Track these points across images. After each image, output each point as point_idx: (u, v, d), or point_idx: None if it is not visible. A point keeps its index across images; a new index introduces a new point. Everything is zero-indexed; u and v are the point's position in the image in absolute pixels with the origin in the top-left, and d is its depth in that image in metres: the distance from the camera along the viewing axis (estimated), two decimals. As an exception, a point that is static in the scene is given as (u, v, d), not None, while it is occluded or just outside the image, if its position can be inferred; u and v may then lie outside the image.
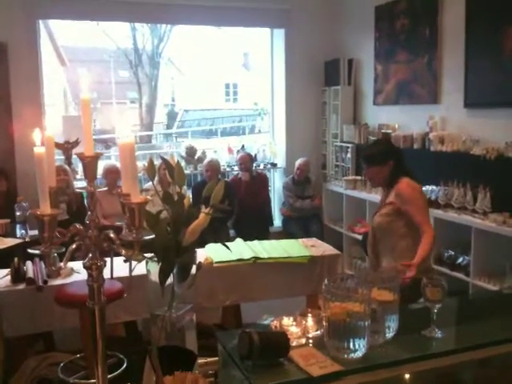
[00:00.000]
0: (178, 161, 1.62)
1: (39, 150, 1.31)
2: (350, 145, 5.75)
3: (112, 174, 5.07)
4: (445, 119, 4.65)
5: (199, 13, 5.75)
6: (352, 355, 1.52)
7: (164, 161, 1.60)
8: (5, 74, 5.10)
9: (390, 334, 1.63)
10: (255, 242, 3.99)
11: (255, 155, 6.22)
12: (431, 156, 4.54)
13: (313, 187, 5.93)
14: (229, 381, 1.64)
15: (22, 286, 3.33)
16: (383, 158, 2.96)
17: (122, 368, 2.94)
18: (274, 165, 6.34)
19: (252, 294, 3.68)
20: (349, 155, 5.74)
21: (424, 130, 4.74)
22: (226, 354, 1.59)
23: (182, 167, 1.65)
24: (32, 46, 5.25)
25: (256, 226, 5.32)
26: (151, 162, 1.60)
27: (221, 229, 5.14)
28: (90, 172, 1.41)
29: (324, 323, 1.56)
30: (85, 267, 1.43)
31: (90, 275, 1.43)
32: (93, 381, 2.96)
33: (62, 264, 1.38)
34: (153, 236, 1.35)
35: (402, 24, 5.12)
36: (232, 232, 5.50)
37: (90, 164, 1.39)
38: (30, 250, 1.33)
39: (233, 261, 3.53)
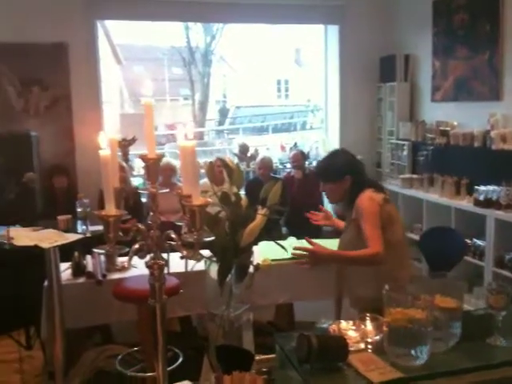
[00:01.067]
0: (237, 163, 1.63)
1: (104, 152, 1.34)
2: (406, 142, 5.63)
3: (167, 171, 5.15)
4: (507, 117, 4.47)
5: (253, 11, 5.76)
6: (413, 362, 1.49)
7: (222, 162, 1.61)
8: (66, 74, 5.28)
9: (452, 342, 1.58)
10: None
11: (308, 152, 6.18)
12: (492, 155, 4.39)
13: (368, 185, 5.83)
14: (286, 382, 1.64)
15: (82, 280, 3.45)
16: (339, 173, 2.64)
17: (178, 362, 2.99)
18: (326, 162, 6.27)
19: (305, 294, 3.66)
20: (405, 153, 5.62)
21: (484, 128, 4.59)
22: (284, 355, 1.59)
23: (241, 169, 1.66)
24: (91, 46, 5.41)
25: (308, 225, 5.27)
26: (211, 165, 1.61)
27: (273, 226, 5.15)
28: (152, 173, 1.43)
29: (384, 329, 1.54)
30: (147, 266, 1.46)
31: (151, 274, 1.47)
32: (149, 374, 3.04)
33: (125, 263, 1.42)
34: (213, 238, 1.37)
35: (461, 19, 4.97)
36: (284, 229, 5.49)
37: (152, 166, 1.42)
38: (95, 250, 1.37)
39: (286, 259, 3.52)
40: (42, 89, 5.20)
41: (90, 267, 3.51)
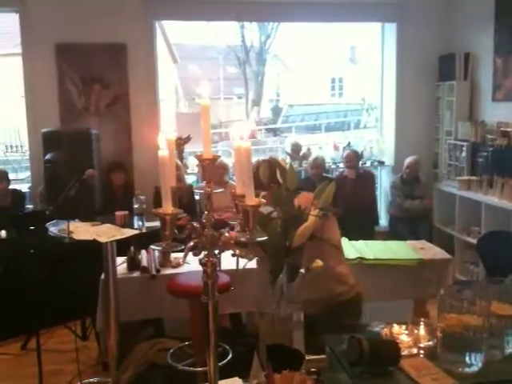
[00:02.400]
0: (290, 164, 1.64)
1: (163, 153, 1.37)
2: (465, 143, 5.47)
3: (219, 169, 5.22)
4: None
5: (309, 9, 5.74)
6: (467, 370, 1.45)
7: (276, 163, 1.62)
8: (124, 73, 5.44)
9: (509, 350, 1.53)
10: (360, 241, 3.93)
11: (362, 152, 6.10)
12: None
13: (422, 187, 5.70)
14: (335, 383, 1.63)
15: (136, 274, 3.55)
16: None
17: (228, 359, 3.03)
18: (381, 162, 6.19)
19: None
20: (463, 154, 5.46)
21: (549, 129, 4.40)
22: (334, 357, 1.59)
23: (295, 170, 1.67)
24: (149, 46, 5.54)
25: (361, 226, 5.22)
26: (263, 165, 1.63)
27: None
28: (208, 174, 1.46)
29: (438, 334, 1.51)
30: (201, 264, 1.49)
31: (205, 272, 1.49)
32: (200, 369, 3.10)
33: (180, 260, 1.45)
34: (265, 238, 1.38)
35: (525, 14, 4.78)
36: (336, 230, 5.44)
37: (208, 166, 1.44)
38: (152, 246, 1.41)
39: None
40: (102, 87, 5.38)
41: (144, 262, 3.61)
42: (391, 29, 6.05)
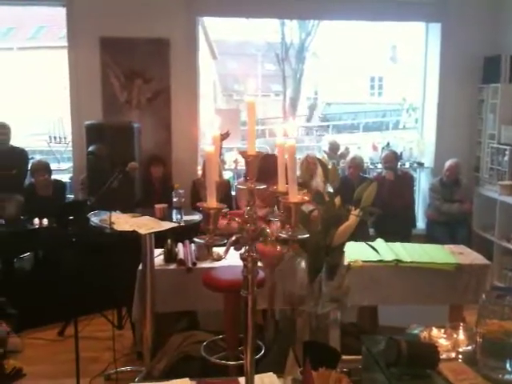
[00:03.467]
0: (334, 163, 1.64)
1: (209, 149, 1.40)
2: (508, 147, 5.34)
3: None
4: None
5: (350, 8, 5.70)
6: (507, 376, 1.43)
7: (319, 161, 1.63)
8: (166, 68, 5.51)
9: (552, 359, 1.50)
10: (397, 243, 3.89)
11: (401, 153, 6.03)
12: None
13: (463, 190, 5.60)
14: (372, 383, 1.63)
15: (173, 266, 3.61)
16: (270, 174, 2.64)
17: (260, 354, 3.05)
18: (420, 164, 6.09)
19: (390, 297, 3.59)
20: (506, 158, 5.32)
21: None
22: (371, 358, 1.59)
23: (338, 169, 1.67)
24: (191, 42, 5.60)
25: (397, 228, 5.16)
26: (307, 162, 1.63)
27: (360, 227, 5.07)
28: (251, 170, 1.47)
29: (478, 339, 1.49)
30: (241, 258, 1.51)
31: (245, 266, 1.51)
32: (232, 363, 3.13)
33: (222, 255, 1.48)
34: (307, 235, 1.39)
35: None
36: (371, 231, 5.40)
37: (252, 162, 1.46)
38: (196, 239, 1.43)
39: (373, 261, 3.48)
40: (144, 82, 5.47)
41: (181, 255, 3.66)
42: (435, 28, 5.94)
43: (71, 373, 3.19)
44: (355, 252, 3.42)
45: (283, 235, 1.36)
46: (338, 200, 1.74)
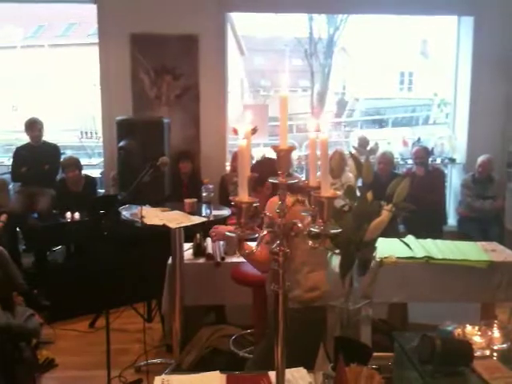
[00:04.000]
0: (367, 158, 1.62)
1: (242, 143, 1.40)
2: (541, 143, 5.21)
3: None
4: None
5: (381, 1, 5.64)
6: (544, 376, 1.40)
7: (352, 156, 1.62)
8: (195, 64, 5.53)
9: None
10: (428, 240, 3.83)
11: (432, 149, 5.94)
12: None
13: (495, 187, 5.49)
14: (404, 381, 1.61)
15: (201, 260, 3.63)
16: (259, 180, 2.57)
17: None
18: (452, 160, 5.99)
19: (421, 295, 3.55)
20: (540, 154, 5.20)
21: None
22: (404, 354, 1.57)
23: (372, 164, 1.65)
24: (220, 38, 5.60)
25: (428, 224, 5.08)
26: (340, 156, 1.62)
27: (389, 223, 5.02)
28: (283, 164, 1.47)
29: (514, 338, 1.46)
30: (272, 253, 1.51)
31: (276, 260, 1.51)
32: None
33: (254, 248, 1.47)
34: (340, 230, 1.38)
35: None
36: (401, 227, 5.34)
37: (283, 157, 1.46)
38: (227, 233, 1.44)
39: (403, 258, 3.44)
40: (173, 78, 5.51)
41: (209, 249, 3.68)
42: (468, 22, 5.83)
43: (102, 364, 3.23)
44: (385, 248, 3.40)
45: (315, 230, 1.36)
46: (369, 195, 1.72)
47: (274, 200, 2.49)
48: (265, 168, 2.77)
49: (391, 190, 1.70)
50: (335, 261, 1.66)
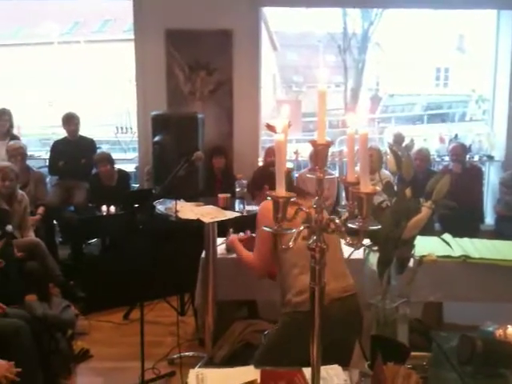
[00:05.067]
0: (408, 153, 1.59)
1: (279, 137, 1.39)
2: None
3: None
4: None
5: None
6: None
7: (393, 152, 1.59)
8: (229, 60, 5.54)
9: None
10: (465, 239, 3.75)
11: (470, 146, 5.81)
12: None
13: (535, 185, 5.34)
14: (441, 381, 1.58)
15: (234, 255, 3.63)
16: (258, 184, 2.83)
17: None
18: (490, 157, 5.85)
19: (457, 294, 3.48)
20: None
21: None
22: (442, 354, 1.54)
23: (412, 160, 1.62)
24: (254, 33, 5.60)
25: (465, 223, 4.97)
26: (379, 153, 1.60)
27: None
28: (320, 159, 1.45)
29: (559, 341, 1.42)
30: (309, 248, 1.49)
31: (312, 257, 1.50)
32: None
33: (290, 243, 1.46)
34: (379, 227, 1.36)
35: None
36: (437, 226, 5.24)
37: (321, 151, 1.44)
38: (265, 228, 1.44)
39: (440, 256, 3.37)
40: (207, 74, 5.53)
41: (242, 244, 3.68)
42: (507, 16, 5.68)
43: (135, 355, 3.28)
44: (422, 246, 3.34)
45: (354, 226, 1.34)
46: (408, 192, 1.69)
47: (266, 205, 2.57)
48: (261, 174, 2.96)
49: (431, 186, 1.66)
50: (372, 258, 1.64)
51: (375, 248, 1.62)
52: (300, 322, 2.23)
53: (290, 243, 1.46)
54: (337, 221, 1.44)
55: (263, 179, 2.82)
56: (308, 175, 1.48)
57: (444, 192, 1.66)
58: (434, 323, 3.66)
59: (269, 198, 2.22)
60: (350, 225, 1.36)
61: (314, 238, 1.47)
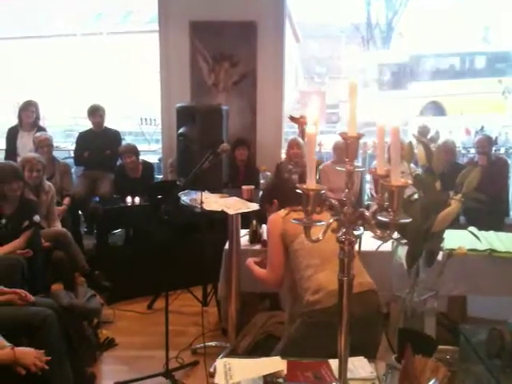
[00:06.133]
0: (438, 145, 1.58)
1: (310, 129, 1.39)
2: None
3: (339, 150, 5.22)
4: None
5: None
6: None
7: (423, 144, 1.58)
8: (253, 51, 5.53)
9: None
10: (491, 232, 3.72)
11: (496, 138, 5.72)
12: None
13: (562, 179, 5.25)
14: (468, 375, 1.58)
15: (257, 247, 3.65)
16: (267, 198, 2.94)
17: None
18: (516, 150, 5.77)
19: (482, 288, 3.44)
20: None
21: None
22: (470, 348, 1.54)
23: (442, 154, 1.61)
24: (278, 24, 5.57)
25: (490, 216, 4.90)
26: (410, 146, 1.59)
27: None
28: (351, 152, 1.46)
29: None
30: (338, 241, 1.50)
31: (341, 249, 1.51)
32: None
33: (320, 236, 1.47)
34: (409, 220, 1.35)
35: None
36: (462, 219, 5.18)
37: (352, 144, 1.44)
38: (292, 221, 1.44)
39: (466, 250, 3.34)
40: (230, 65, 5.53)
41: (264, 236, 3.70)
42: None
43: (159, 344, 3.32)
44: (447, 239, 3.32)
45: (385, 219, 1.34)
46: (438, 185, 1.68)
47: (274, 218, 2.73)
48: (271, 189, 3.11)
49: (461, 179, 1.65)
50: (401, 251, 1.63)
51: (404, 241, 1.62)
52: (318, 319, 2.28)
53: (320, 235, 1.47)
54: (367, 214, 1.44)
55: (273, 194, 2.95)
56: (338, 168, 1.48)
57: (474, 185, 1.65)
58: (458, 317, 3.64)
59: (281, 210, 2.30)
60: (380, 218, 1.36)
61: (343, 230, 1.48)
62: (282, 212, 2.69)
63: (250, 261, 3.00)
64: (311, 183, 1.40)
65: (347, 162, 1.46)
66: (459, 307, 3.77)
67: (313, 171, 1.41)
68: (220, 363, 1.84)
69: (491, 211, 5.06)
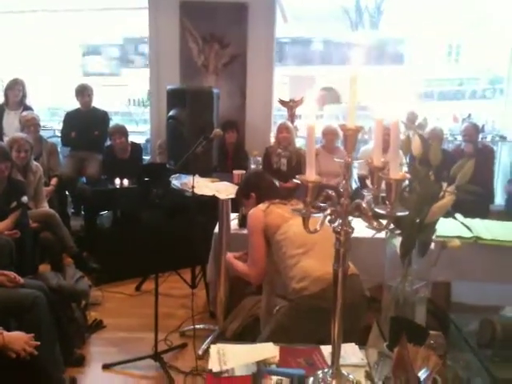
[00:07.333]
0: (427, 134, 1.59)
1: (311, 122, 1.40)
2: None
3: (329, 135, 5.24)
4: None
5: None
6: None
7: (420, 137, 1.59)
8: (243, 33, 5.49)
9: None
10: (476, 220, 3.77)
11: (483, 126, 5.77)
12: None
13: (547, 166, 5.33)
14: (458, 364, 1.62)
15: (246, 231, 3.66)
16: (245, 192, 2.93)
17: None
18: (503, 138, 5.82)
19: (467, 274, 3.50)
20: None
21: None
22: (460, 337, 1.58)
23: (441, 147, 1.63)
24: (269, 6, 5.53)
25: (475, 203, 4.96)
26: (408, 138, 1.60)
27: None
28: (350, 144, 1.46)
29: None
30: (334, 232, 1.52)
31: (337, 239, 1.52)
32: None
33: (318, 227, 1.48)
34: (406, 213, 1.37)
35: None
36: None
37: (351, 137, 1.45)
38: (292, 209, 1.46)
39: (451, 237, 3.38)
40: (221, 47, 5.49)
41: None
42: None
43: (148, 327, 3.34)
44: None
45: (382, 212, 1.36)
46: (431, 176, 1.70)
47: (254, 213, 2.73)
48: (248, 182, 3.07)
49: (454, 171, 1.67)
50: (395, 241, 1.66)
51: (397, 232, 1.64)
52: (306, 305, 2.32)
53: (318, 226, 1.48)
54: (363, 205, 1.45)
55: (250, 187, 2.94)
56: (336, 159, 1.49)
57: (468, 177, 1.67)
58: (442, 302, 3.70)
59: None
60: (377, 210, 1.38)
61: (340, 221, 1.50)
62: (262, 206, 2.71)
63: (231, 256, 3.00)
64: (311, 174, 1.41)
65: (346, 153, 1.46)
66: (444, 293, 3.83)
67: (312, 162, 1.41)
68: (213, 349, 1.86)
69: (476, 198, 5.13)
